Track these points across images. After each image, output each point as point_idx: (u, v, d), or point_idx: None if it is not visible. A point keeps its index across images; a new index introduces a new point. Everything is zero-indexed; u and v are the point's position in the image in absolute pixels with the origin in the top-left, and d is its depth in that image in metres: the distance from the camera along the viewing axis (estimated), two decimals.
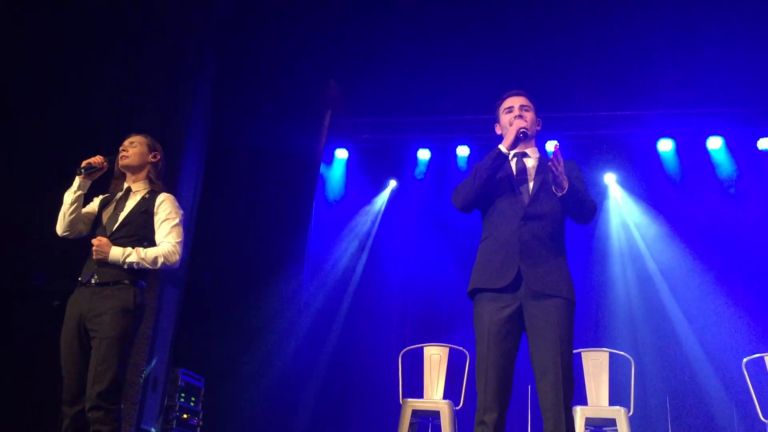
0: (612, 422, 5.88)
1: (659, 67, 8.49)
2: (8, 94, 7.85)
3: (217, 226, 8.41)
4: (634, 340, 8.63)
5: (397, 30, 8.55)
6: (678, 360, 8.49)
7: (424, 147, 9.88)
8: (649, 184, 9.29)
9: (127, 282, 3.96)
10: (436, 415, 6.14)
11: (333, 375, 9.14)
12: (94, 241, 3.97)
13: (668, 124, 9.13)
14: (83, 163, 4.13)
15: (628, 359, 6.36)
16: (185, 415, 7.36)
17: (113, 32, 7.94)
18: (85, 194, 4.18)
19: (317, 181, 9.34)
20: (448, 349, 6.56)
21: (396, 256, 9.68)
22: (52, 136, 7.73)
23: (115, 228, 4.07)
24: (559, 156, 3.50)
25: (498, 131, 3.94)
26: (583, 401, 6.09)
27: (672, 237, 9.04)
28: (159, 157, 4.35)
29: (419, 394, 6.48)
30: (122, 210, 4.14)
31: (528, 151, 3.85)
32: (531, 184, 3.72)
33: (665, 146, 9.22)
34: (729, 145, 9.06)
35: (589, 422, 5.96)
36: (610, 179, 9.45)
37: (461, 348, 6.52)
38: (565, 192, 3.56)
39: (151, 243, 4.10)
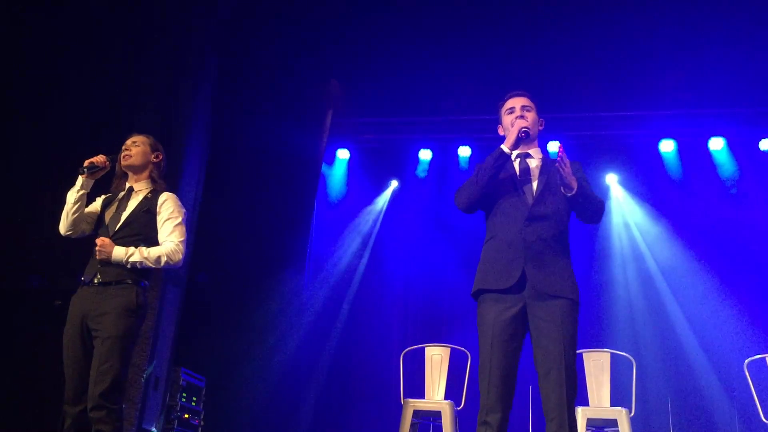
0: (613, 423, 5.88)
1: (661, 67, 8.48)
2: (8, 94, 7.86)
3: (218, 227, 8.41)
4: (635, 341, 8.62)
5: (399, 30, 8.55)
6: (679, 360, 8.48)
7: (425, 147, 9.87)
8: (650, 185, 9.29)
9: (129, 281, 3.95)
10: (437, 415, 6.14)
11: (334, 375, 9.14)
12: (98, 241, 3.97)
13: (670, 124, 9.12)
14: (86, 163, 4.13)
15: (630, 360, 6.36)
16: (186, 415, 7.36)
17: (114, 32, 7.94)
18: (87, 194, 4.18)
19: (318, 181, 9.33)
20: (449, 349, 6.56)
21: (397, 256, 9.68)
22: (53, 136, 7.74)
23: (117, 227, 4.07)
24: (565, 157, 3.49)
25: (501, 132, 3.93)
26: (585, 402, 6.08)
27: (673, 237, 9.03)
28: (161, 157, 4.35)
29: (420, 394, 6.49)
30: (125, 209, 4.14)
31: (531, 151, 3.84)
32: (534, 185, 3.71)
33: (667, 147, 9.21)
34: (731, 146, 9.06)
35: (591, 423, 5.96)
36: (611, 180, 9.45)
37: (462, 348, 6.52)
38: (574, 192, 3.55)
39: (154, 242, 4.09)
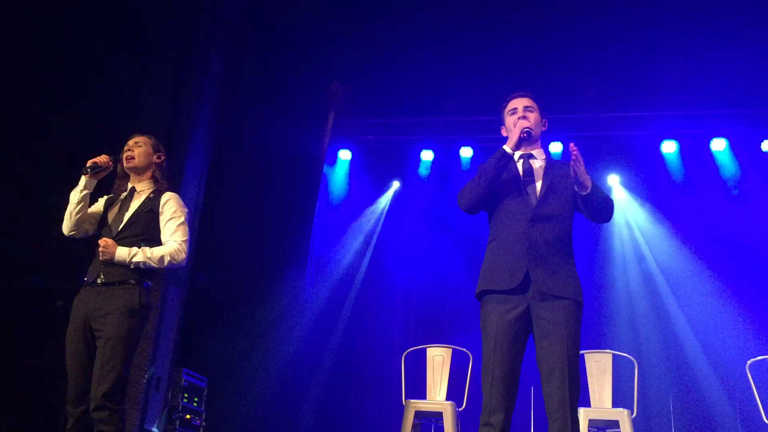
0: (615, 424, 5.87)
1: (663, 68, 8.49)
2: (9, 94, 7.87)
3: (220, 227, 8.42)
4: (637, 342, 8.63)
5: (401, 31, 8.56)
6: (681, 362, 8.49)
7: (427, 148, 9.88)
8: (652, 186, 9.29)
9: (132, 282, 3.95)
10: (438, 416, 6.14)
11: (336, 376, 9.14)
12: (100, 242, 3.97)
13: (672, 125, 9.14)
14: (89, 163, 4.12)
15: (632, 361, 6.36)
16: (188, 416, 7.37)
17: (118, 33, 7.96)
18: (90, 194, 4.19)
19: (321, 181, 9.34)
20: (451, 350, 6.56)
21: (399, 256, 9.68)
22: (57, 136, 7.75)
23: (120, 228, 4.07)
24: (579, 155, 3.50)
25: (504, 133, 3.93)
26: (586, 403, 6.08)
27: (675, 238, 9.04)
28: (163, 158, 4.34)
29: (422, 395, 6.48)
30: (127, 210, 4.14)
31: (534, 152, 3.84)
32: (538, 185, 3.71)
33: (669, 148, 9.22)
34: (733, 147, 9.06)
35: (592, 424, 5.95)
36: (613, 181, 9.45)
37: (464, 349, 6.52)
38: (589, 191, 3.56)
39: (157, 242, 4.09)
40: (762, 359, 6.05)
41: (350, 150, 10.05)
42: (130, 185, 4.27)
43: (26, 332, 6.96)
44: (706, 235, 8.85)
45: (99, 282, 3.95)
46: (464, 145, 9.69)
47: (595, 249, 9.22)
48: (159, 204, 4.16)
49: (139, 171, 4.26)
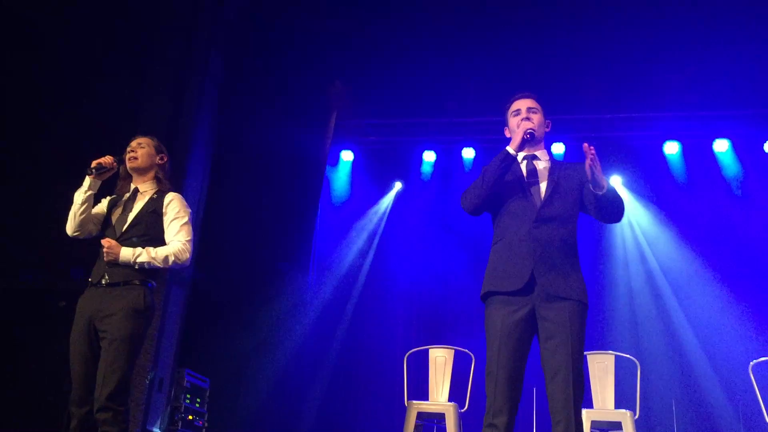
0: (618, 425, 5.87)
1: (666, 69, 8.48)
2: (10, 94, 7.87)
3: (222, 228, 8.41)
4: (639, 343, 8.62)
5: (404, 32, 8.55)
6: (684, 363, 8.48)
7: (429, 149, 9.88)
8: (655, 187, 9.28)
9: (137, 282, 3.96)
10: (441, 417, 6.14)
11: (338, 377, 9.14)
12: (104, 243, 3.97)
13: (675, 126, 9.13)
14: (94, 163, 4.13)
15: (634, 362, 6.35)
16: (190, 417, 7.36)
17: (120, 33, 7.95)
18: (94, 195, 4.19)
19: (323, 182, 9.34)
20: (453, 351, 6.56)
21: (401, 257, 9.68)
22: (57, 136, 7.74)
23: (124, 229, 4.07)
24: (596, 156, 3.49)
25: (507, 134, 3.92)
26: (589, 404, 6.08)
27: (678, 240, 9.03)
28: (166, 159, 4.36)
29: (424, 396, 6.48)
30: (131, 211, 4.14)
31: (538, 153, 3.83)
32: (542, 187, 3.70)
33: (671, 148, 9.21)
34: (735, 148, 9.05)
35: (595, 425, 5.94)
36: (616, 181, 9.43)
37: (466, 350, 6.52)
38: (604, 191, 3.55)
39: (161, 242, 4.10)
40: (765, 360, 6.03)
41: (352, 151, 10.05)
42: (132, 186, 4.27)
43: (26, 332, 6.95)
44: (709, 236, 8.84)
45: (104, 283, 3.95)
46: (466, 146, 9.68)
47: (597, 250, 9.22)
48: (162, 204, 4.17)
49: (142, 172, 4.27)
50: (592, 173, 3.49)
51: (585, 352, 6.11)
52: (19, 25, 7.84)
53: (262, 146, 8.75)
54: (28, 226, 7.40)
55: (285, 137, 8.74)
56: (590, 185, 3.56)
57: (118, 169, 4.27)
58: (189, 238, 4.13)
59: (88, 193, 4.11)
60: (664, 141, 9.24)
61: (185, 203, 4.25)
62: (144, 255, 3.96)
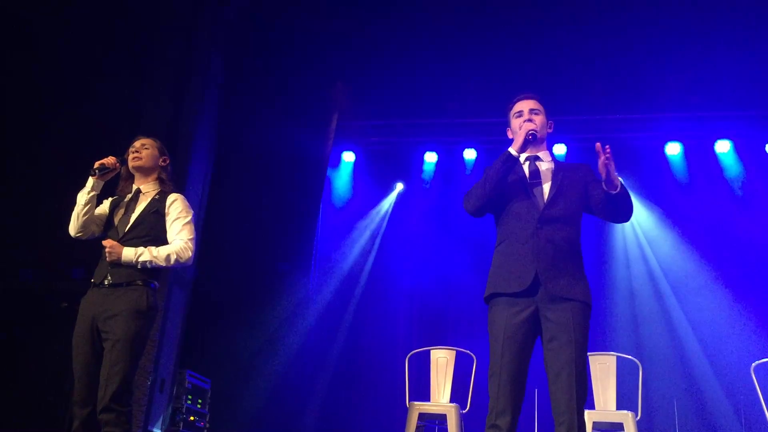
0: (620, 426, 5.86)
1: (667, 70, 8.47)
2: (12, 95, 7.86)
3: (224, 229, 8.41)
4: (641, 344, 8.61)
5: (405, 33, 8.54)
6: (686, 364, 8.47)
7: (431, 150, 9.86)
8: (656, 188, 9.27)
9: (140, 283, 3.96)
10: (442, 418, 6.13)
11: (340, 378, 9.13)
12: (105, 243, 3.97)
13: (676, 127, 9.11)
14: (97, 164, 4.13)
15: (636, 363, 6.33)
16: (192, 417, 7.35)
17: (120, 32, 7.94)
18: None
19: (324, 183, 9.33)
20: (454, 352, 6.55)
21: (402, 258, 9.67)
22: (57, 136, 7.74)
23: (127, 229, 4.08)
24: (611, 155, 3.48)
25: (510, 135, 3.91)
26: (591, 405, 6.06)
27: (679, 240, 9.02)
28: (168, 161, 4.37)
29: (426, 397, 6.47)
30: (133, 211, 4.15)
31: (540, 154, 3.83)
32: (546, 187, 3.69)
33: (673, 149, 9.20)
34: (737, 149, 9.03)
35: (597, 426, 5.93)
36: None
37: (468, 351, 6.51)
38: (618, 190, 3.54)
39: (163, 243, 4.11)
40: (767, 361, 6.02)
41: (354, 152, 10.04)
42: (134, 187, 4.28)
43: (26, 332, 6.94)
44: (710, 237, 8.83)
45: (106, 283, 3.96)
46: (468, 147, 9.67)
47: (599, 251, 9.20)
48: (165, 205, 4.18)
49: (145, 173, 4.28)
50: (607, 172, 3.49)
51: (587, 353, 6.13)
52: (18, 25, 7.83)
53: (262, 147, 8.74)
54: (28, 226, 7.40)
55: (285, 137, 8.73)
56: (604, 184, 3.55)
57: (120, 169, 4.27)
58: (191, 237, 4.13)
59: (92, 193, 4.12)
60: (665, 142, 9.23)
61: (188, 204, 4.26)
62: (146, 254, 3.97)
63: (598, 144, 3.49)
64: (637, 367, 6.30)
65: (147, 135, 4.39)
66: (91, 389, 3.82)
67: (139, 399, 6.57)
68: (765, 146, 8.91)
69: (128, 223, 4.10)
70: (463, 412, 6.17)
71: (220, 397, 7.93)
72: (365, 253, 9.84)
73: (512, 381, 3.42)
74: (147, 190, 4.25)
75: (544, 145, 3.87)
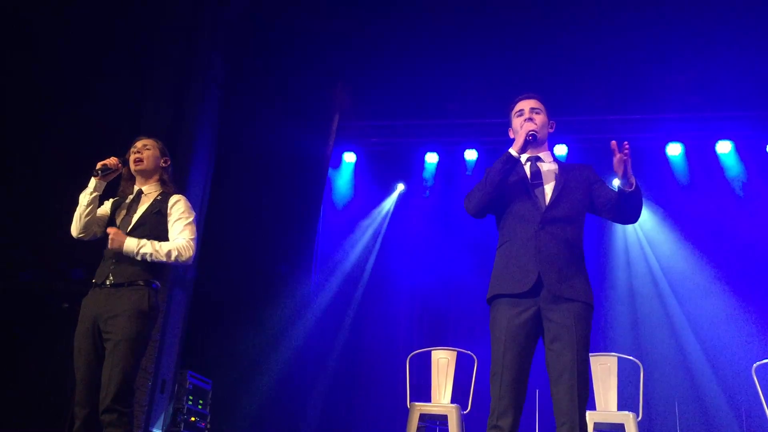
0: (621, 427, 5.85)
1: (668, 70, 8.47)
2: (13, 95, 7.85)
3: (224, 229, 8.40)
4: (642, 345, 8.60)
5: (406, 33, 8.54)
6: (687, 365, 8.46)
7: (432, 150, 9.86)
8: (657, 188, 9.26)
9: (141, 283, 3.96)
10: (443, 419, 6.13)
11: (341, 379, 9.13)
12: (109, 230, 3.98)
13: (677, 128, 9.10)
14: (99, 165, 4.14)
15: (637, 364, 6.33)
16: (193, 418, 7.35)
17: (121, 35, 7.94)
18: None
19: (325, 183, 9.32)
20: (455, 352, 6.55)
21: (404, 259, 9.66)
22: (57, 136, 7.73)
23: (129, 230, 4.08)
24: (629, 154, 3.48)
25: (511, 135, 3.91)
26: (592, 406, 6.05)
27: (680, 241, 9.01)
28: (169, 162, 4.38)
29: (427, 397, 6.47)
30: (135, 212, 4.16)
31: (541, 154, 3.82)
32: (548, 188, 3.69)
33: (674, 150, 9.19)
34: (738, 149, 9.02)
35: (598, 427, 5.93)
36: (618, 183, 9.40)
37: (469, 352, 6.50)
38: (633, 188, 3.53)
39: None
40: None
41: (355, 152, 10.04)
42: (136, 188, 4.29)
43: (26, 332, 6.93)
44: (711, 237, 8.82)
45: (108, 283, 3.96)
46: (469, 148, 9.66)
47: (600, 251, 9.19)
48: (168, 206, 4.19)
49: (147, 173, 4.28)
50: (624, 169, 3.48)
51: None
52: (18, 25, 7.82)
53: (263, 147, 8.74)
54: (28, 226, 7.39)
55: (286, 138, 8.73)
56: (621, 183, 3.55)
57: (122, 170, 4.27)
58: (193, 237, 4.14)
59: (94, 194, 4.12)
60: (666, 142, 9.22)
61: (190, 205, 4.27)
62: (148, 246, 3.97)
63: (614, 142, 3.49)
64: (638, 368, 6.29)
65: (148, 135, 4.39)
66: (92, 390, 3.82)
67: (140, 399, 6.56)
68: (766, 147, 8.91)
69: (130, 223, 4.11)
70: (464, 412, 6.17)
71: (222, 397, 7.92)
72: (366, 254, 9.84)
73: (514, 382, 3.41)
74: (149, 191, 4.26)
75: (546, 145, 3.87)
